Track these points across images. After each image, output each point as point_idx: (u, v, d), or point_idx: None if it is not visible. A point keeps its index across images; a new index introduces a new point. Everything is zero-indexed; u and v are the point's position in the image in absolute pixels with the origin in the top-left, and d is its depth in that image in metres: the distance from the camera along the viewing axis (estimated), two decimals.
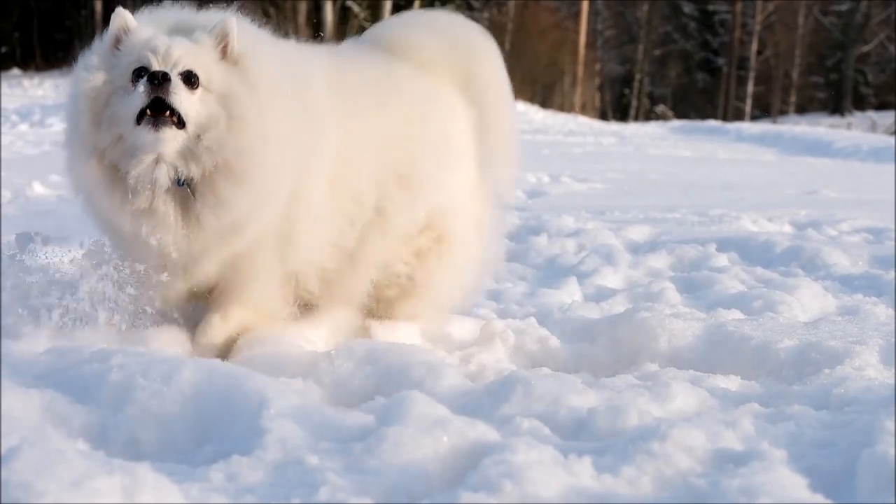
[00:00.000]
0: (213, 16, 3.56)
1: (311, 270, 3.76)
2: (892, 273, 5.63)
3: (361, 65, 3.97)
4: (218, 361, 2.95)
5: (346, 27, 42.17)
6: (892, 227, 7.91)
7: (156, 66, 3.28)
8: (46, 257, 4.03)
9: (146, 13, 3.56)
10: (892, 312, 4.54)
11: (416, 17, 4.51)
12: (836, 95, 60.96)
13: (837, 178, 14.68)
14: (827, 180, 13.82)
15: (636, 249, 6.69)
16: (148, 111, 3.24)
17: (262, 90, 3.41)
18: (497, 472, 2.14)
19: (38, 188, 10.04)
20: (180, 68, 3.30)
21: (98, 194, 3.39)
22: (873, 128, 41.99)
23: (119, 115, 3.30)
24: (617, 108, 62.24)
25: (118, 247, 3.56)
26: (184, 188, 3.35)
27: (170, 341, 3.46)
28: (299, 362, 3.30)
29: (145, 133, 3.25)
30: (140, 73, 3.29)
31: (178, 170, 3.31)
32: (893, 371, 3.46)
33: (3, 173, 10.56)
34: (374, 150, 3.82)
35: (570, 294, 5.18)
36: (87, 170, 3.37)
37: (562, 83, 55.11)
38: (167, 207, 3.34)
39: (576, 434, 2.64)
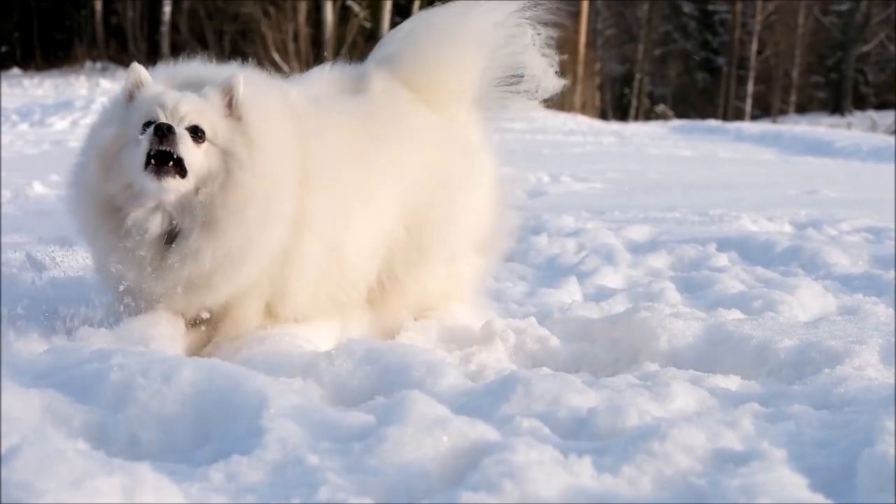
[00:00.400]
0: (226, 70, 3.72)
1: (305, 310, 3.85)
2: (892, 273, 5.63)
3: (378, 120, 4.00)
4: (218, 361, 2.95)
5: (346, 27, 42.17)
6: (892, 226, 7.91)
7: (163, 120, 3.43)
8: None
9: (161, 69, 3.74)
10: (892, 312, 4.54)
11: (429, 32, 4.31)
12: (836, 95, 60.94)
13: (837, 177, 14.68)
14: (827, 180, 13.82)
15: (636, 249, 6.69)
16: (153, 160, 3.38)
17: (259, 146, 3.53)
18: (497, 472, 2.14)
19: (38, 188, 10.04)
20: (187, 123, 3.45)
21: (94, 235, 3.59)
22: (873, 127, 41.98)
23: (127, 165, 3.45)
24: (617, 107, 62.22)
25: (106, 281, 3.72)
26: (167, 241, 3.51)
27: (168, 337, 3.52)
28: (299, 362, 3.30)
29: (149, 181, 3.39)
30: (149, 126, 3.43)
31: (173, 220, 3.46)
32: (893, 371, 3.46)
33: (3, 173, 10.57)
34: (390, 208, 3.95)
35: (570, 294, 5.18)
36: (90, 212, 3.56)
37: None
38: (146, 254, 3.47)
39: (576, 434, 2.64)
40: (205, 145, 3.47)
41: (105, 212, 3.51)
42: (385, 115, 4.01)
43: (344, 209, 3.81)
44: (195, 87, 3.61)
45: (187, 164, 3.40)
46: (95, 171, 3.52)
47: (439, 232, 4.08)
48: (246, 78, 3.60)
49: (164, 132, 3.37)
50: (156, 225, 3.46)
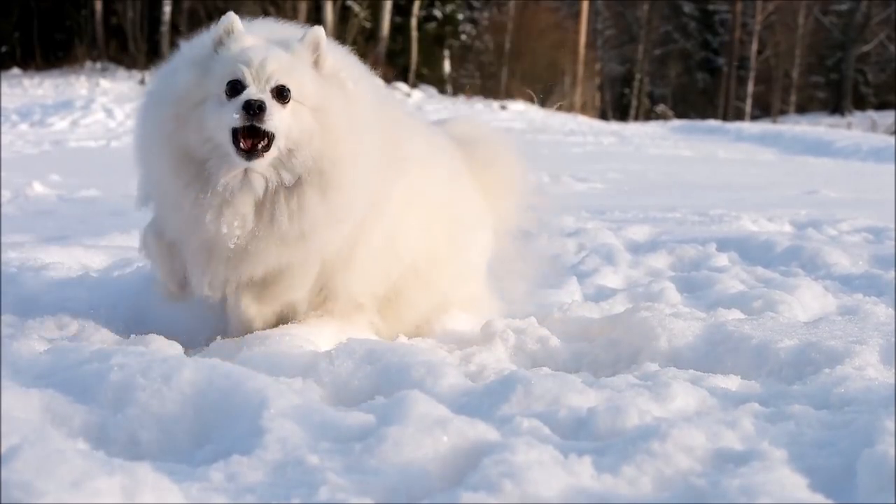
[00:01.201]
0: (302, 31, 3.65)
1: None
2: (892, 273, 5.63)
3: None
4: (218, 361, 2.94)
5: (346, 27, 42.19)
6: (892, 226, 7.91)
7: (249, 81, 3.36)
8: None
9: (254, 23, 3.65)
10: (892, 312, 4.53)
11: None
12: (836, 95, 60.95)
13: (837, 177, 14.68)
14: (827, 180, 13.82)
15: (636, 249, 6.69)
16: (241, 136, 3.32)
17: (359, 104, 3.49)
18: (497, 472, 2.14)
19: (38, 188, 10.05)
20: (273, 83, 3.38)
21: (172, 182, 3.43)
22: (873, 127, 41.96)
23: (210, 123, 3.37)
24: (617, 107, 62.23)
25: (168, 223, 3.61)
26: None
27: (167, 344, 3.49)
28: (299, 362, 3.30)
29: (237, 157, 3.34)
30: (235, 86, 3.36)
31: (269, 180, 3.40)
32: (893, 371, 3.46)
33: (3, 173, 10.57)
34: (426, 209, 3.96)
35: (570, 294, 5.18)
36: (163, 155, 3.42)
37: (562, 83, 55.10)
38: (246, 203, 3.40)
39: (576, 434, 2.63)
40: (290, 105, 3.39)
41: (184, 162, 3.42)
42: (457, 150, 4.19)
43: (408, 203, 3.83)
44: (281, 43, 3.51)
45: (277, 133, 3.34)
46: (169, 119, 3.41)
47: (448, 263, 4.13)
48: (322, 30, 3.55)
49: (254, 110, 3.29)
50: (257, 187, 3.40)
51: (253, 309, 3.65)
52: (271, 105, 3.32)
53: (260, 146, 3.32)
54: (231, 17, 3.48)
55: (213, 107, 3.38)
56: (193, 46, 3.54)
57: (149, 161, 3.54)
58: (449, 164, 4.12)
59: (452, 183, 4.11)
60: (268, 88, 3.37)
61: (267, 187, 3.41)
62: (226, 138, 3.34)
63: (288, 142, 3.37)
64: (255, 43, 3.46)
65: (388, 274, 3.89)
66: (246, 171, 3.39)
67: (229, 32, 3.47)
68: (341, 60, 3.56)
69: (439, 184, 4.02)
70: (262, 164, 3.36)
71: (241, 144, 3.32)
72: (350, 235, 3.64)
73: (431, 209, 3.98)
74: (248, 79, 3.37)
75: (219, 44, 3.47)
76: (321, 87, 3.45)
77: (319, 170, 3.39)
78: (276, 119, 3.33)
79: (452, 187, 4.10)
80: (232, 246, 3.44)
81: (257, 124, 3.29)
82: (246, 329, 3.64)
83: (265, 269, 3.56)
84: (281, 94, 3.38)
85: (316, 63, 3.49)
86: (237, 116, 3.30)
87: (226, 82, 3.38)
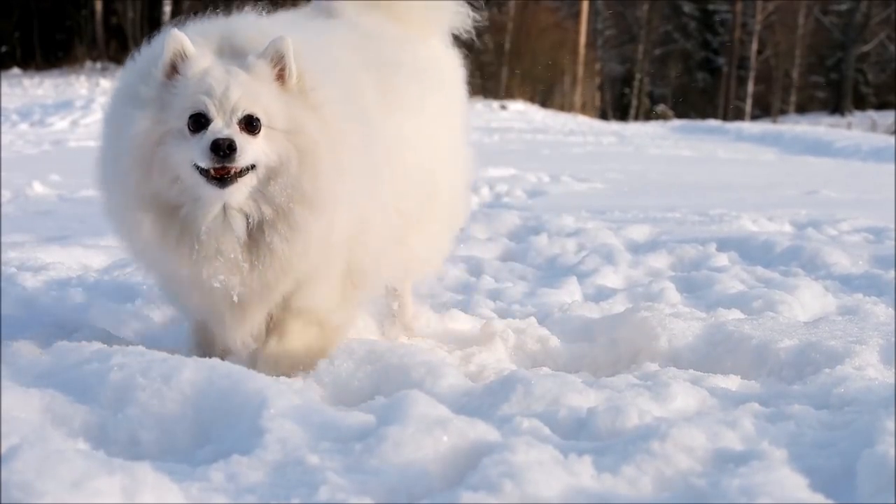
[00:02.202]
0: (253, 23, 3.40)
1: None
2: (892, 273, 5.62)
3: (380, 44, 3.80)
4: (218, 361, 2.95)
5: None
6: (892, 226, 7.90)
7: (214, 114, 3.06)
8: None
9: (194, 27, 3.31)
10: (892, 312, 4.54)
11: None
12: (836, 95, 60.95)
13: (837, 177, 14.67)
14: (827, 180, 13.81)
15: (636, 249, 6.69)
16: (212, 171, 3.05)
17: (329, 118, 3.21)
18: (497, 472, 2.14)
19: (38, 188, 10.05)
20: (240, 114, 3.08)
21: (154, 243, 3.17)
22: (873, 127, 41.94)
23: (175, 161, 3.09)
24: (617, 107, 62.23)
25: (169, 291, 3.51)
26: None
27: None
28: None
29: (211, 190, 3.07)
30: (198, 119, 3.07)
31: (249, 216, 3.14)
32: (893, 371, 3.46)
33: (3, 173, 10.57)
34: (408, 151, 3.73)
35: (570, 294, 5.18)
36: (140, 219, 3.14)
37: (562, 83, 55.10)
38: (236, 250, 3.15)
39: (576, 434, 2.64)
40: (263, 131, 3.10)
41: (159, 215, 3.13)
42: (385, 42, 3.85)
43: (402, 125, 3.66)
44: (236, 51, 3.21)
45: (251, 164, 3.07)
46: (132, 167, 3.10)
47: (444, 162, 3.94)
48: (287, 40, 3.17)
49: (224, 151, 3.00)
50: (238, 227, 3.13)
51: (278, 347, 3.42)
52: (241, 140, 3.04)
53: (233, 171, 3.04)
54: (178, 39, 3.12)
55: (176, 143, 3.08)
56: (140, 78, 3.18)
57: (127, 225, 3.23)
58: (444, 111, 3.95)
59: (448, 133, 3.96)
60: (234, 121, 3.07)
61: (248, 225, 3.13)
62: (194, 176, 3.07)
63: (266, 171, 3.11)
64: (213, 67, 3.13)
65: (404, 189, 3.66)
66: (224, 208, 3.11)
67: (181, 57, 3.12)
68: (308, 70, 3.21)
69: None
70: (240, 193, 3.08)
71: (213, 172, 3.04)
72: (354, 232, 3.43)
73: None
74: (212, 111, 3.06)
75: (171, 71, 3.12)
76: (290, 107, 3.15)
77: (301, 194, 3.12)
78: (250, 154, 3.05)
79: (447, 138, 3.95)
80: (235, 299, 3.22)
81: (229, 164, 3.02)
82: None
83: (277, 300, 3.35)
84: (250, 124, 3.09)
85: (280, 78, 3.17)
86: (205, 158, 3.02)
87: (187, 116, 3.07)
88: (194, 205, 3.11)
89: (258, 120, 3.10)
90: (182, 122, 3.08)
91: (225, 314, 3.31)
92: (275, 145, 3.12)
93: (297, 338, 3.41)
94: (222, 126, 3.06)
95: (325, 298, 3.44)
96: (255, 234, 3.15)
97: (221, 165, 3.01)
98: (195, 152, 3.03)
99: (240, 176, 3.06)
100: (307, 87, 3.20)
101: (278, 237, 3.14)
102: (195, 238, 3.11)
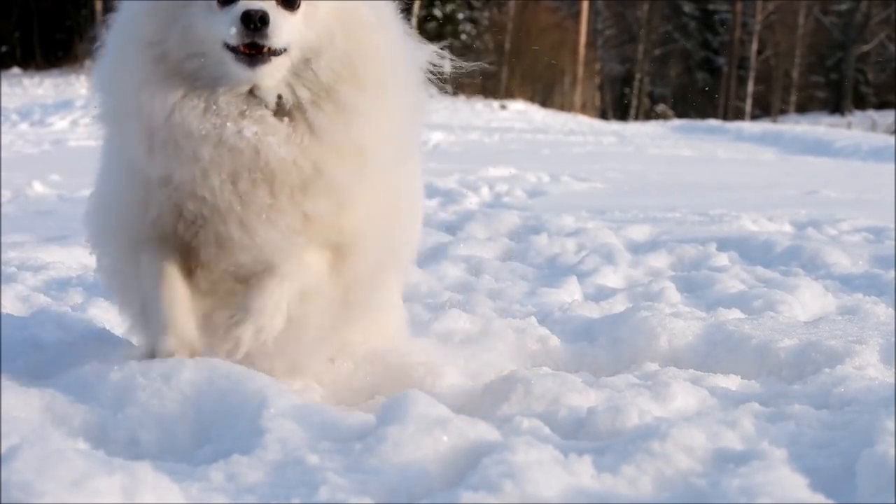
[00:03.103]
0: None
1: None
2: (892, 273, 5.62)
3: None
4: (218, 361, 2.94)
5: None
6: (892, 226, 7.90)
7: None
8: None
9: None
10: (892, 312, 4.54)
11: None
12: (836, 95, 60.95)
13: (837, 177, 14.67)
14: (827, 180, 13.81)
15: (636, 249, 6.69)
16: (241, 47, 2.63)
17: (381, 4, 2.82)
18: (497, 472, 2.14)
19: (38, 188, 10.05)
20: None
21: (150, 91, 2.66)
22: (873, 127, 41.97)
23: (199, 35, 2.68)
24: (617, 107, 62.23)
25: (164, 170, 2.73)
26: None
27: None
28: None
29: (240, 70, 2.65)
30: None
31: (283, 98, 2.71)
32: (893, 371, 3.46)
33: (3, 173, 10.56)
34: None
35: (570, 293, 5.18)
36: (148, 71, 2.68)
37: (562, 83, 55.13)
38: (264, 112, 2.70)
39: (576, 434, 2.64)
40: (303, 7, 2.68)
41: (172, 74, 2.68)
42: None
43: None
44: None
45: (286, 46, 2.64)
46: (145, 18, 2.69)
47: None
48: None
49: (256, 24, 2.59)
50: (269, 100, 2.70)
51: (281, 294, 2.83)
52: (276, 15, 2.62)
53: (266, 48, 2.63)
54: None
55: (202, 15, 2.68)
56: None
57: (122, 78, 2.73)
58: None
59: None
60: None
61: (280, 104, 2.71)
62: (220, 53, 2.66)
63: (303, 52, 2.68)
64: None
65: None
66: (252, 89, 2.70)
67: None
68: None
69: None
70: (272, 75, 2.67)
71: (242, 49, 2.63)
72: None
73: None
74: None
75: None
76: None
77: (352, 71, 2.68)
78: (285, 33, 2.63)
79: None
80: (283, 152, 2.66)
81: (260, 41, 2.61)
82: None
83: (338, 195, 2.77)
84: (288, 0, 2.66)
85: None
86: (234, 32, 2.61)
87: None
88: (214, 82, 2.69)
89: None
90: None
91: (253, 200, 2.71)
92: (315, 24, 2.70)
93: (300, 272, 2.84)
94: None
95: (345, 232, 2.87)
96: (294, 112, 2.71)
97: (251, 41, 2.61)
98: (223, 27, 2.63)
99: (273, 55, 2.64)
100: None
101: (322, 114, 2.69)
102: (212, 102, 2.67)
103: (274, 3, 2.65)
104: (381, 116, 2.74)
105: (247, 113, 2.67)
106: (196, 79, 2.68)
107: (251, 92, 2.69)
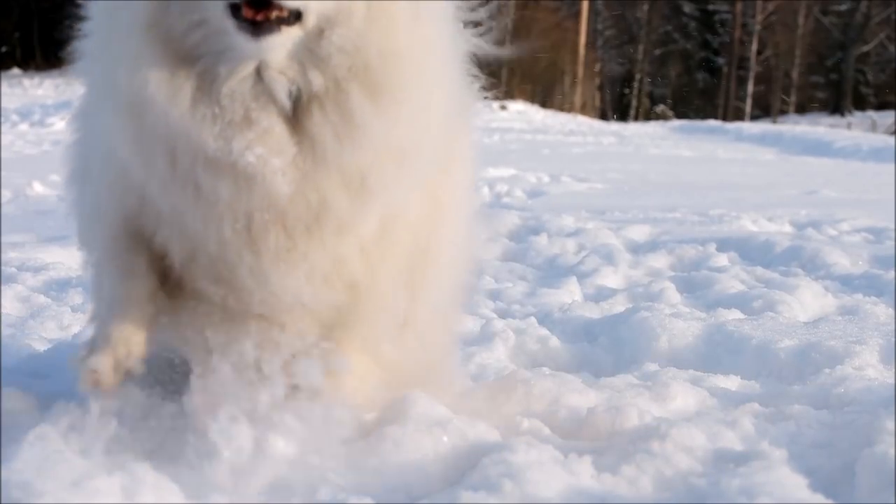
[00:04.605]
0: None
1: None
2: (892, 273, 5.62)
3: None
4: None
5: None
6: (892, 226, 7.90)
7: None
8: None
9: None
10: (892, 312, 4.54)
11: None
12: (836, 95, 60.94)
13: (837, 178, 14.66)
14: (827, 180, 13.80)
15: (636, 249, 6.69)
16: (245, 9, 2.18)
17: None
18: (497, 472, 2.14)
19: (38, 188, 10.04)
20: None
21: (158, 95, 2.24)
22: (873, 128, 41.95)
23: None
24: (617, 108, 62.24)
25: (165, 196, 2.33)
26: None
27: None
28: None
29: (239, 35, 2.20)
30: None
31: (293, 82, 2.26)
32: (893, 371, 3.46)
33: (3, 173, 10.56)
34: None
35: (570, 294, 5.18)
36: (143, 57, 2.25)
37: (562, 83, 55.12)
38: (274, 120, 2.25)
39: (576, 433, 2.64)
40: None
41: (174, 59, 2.25)
42: None
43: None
44: None
45: (305, 9, 2.21)
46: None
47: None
48: None
49: None
50: (279, 92, 2.25)
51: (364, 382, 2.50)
52: None
53: (274, 15, 2.18)
54: None
55: None
56: None
57: (123, 66, 2.28)
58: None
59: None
60: None
61: (292, 94, 2.26)
62: (223, 18, 2.21)
63: (320, 20, 2.23)
64: None
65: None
66: (258, 68, 2.24)
67: None
68: None
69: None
70: (280, 49, 2.21)
71: (246, 13, 2.17)
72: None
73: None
74: None
75: None
76: None
77: (364, 64, 2.24)
78: None
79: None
80: (278, 190, 2.25)
81: None
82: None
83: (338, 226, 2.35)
84: None
85: None
86: None
87: None
88: (216, 59, 2.25)
89: None
90: None
91: (263, 237, 2.31)
92: None
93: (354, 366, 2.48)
94: None
95: (381, 325, 2.54)
96: (300, 116, 2.26)
97: None
98: None
99: (283, 23, 2.19)
100: None
101: (327, 126, 2.25)
102: (214, 101, 2.23)
103: None
104: (392, 135, 2.29)
105: (253, 116, 2.24)
106: (195, 58, 2.25)
107: (258, 75, 2.25)
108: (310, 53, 2.24)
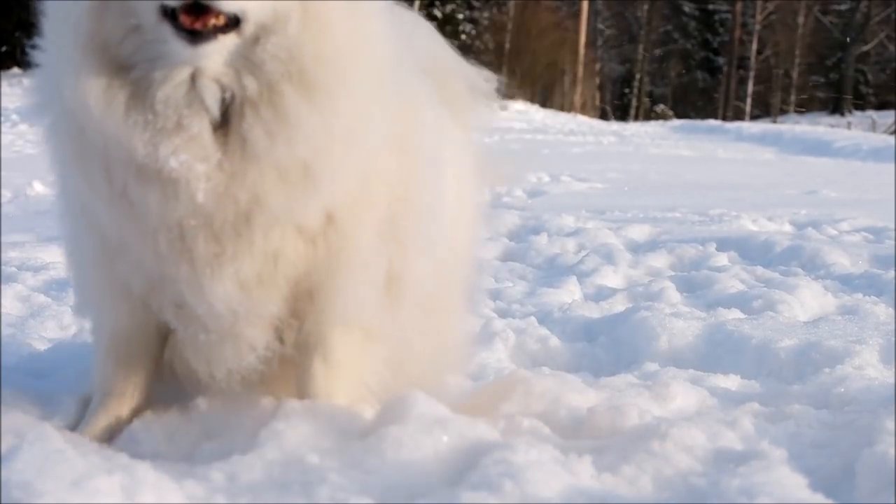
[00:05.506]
0: None
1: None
2: (892, 272, 5.62)
3: None
4: None
5: None
6: (892, 226, 7.90)
7: None
8: None
9: None
10: (892, 312, 4.54)
11: None
12: (836, 95, 60.94)
13: (837, 177, 14.66)
14: (827, 180, 13.80)
15: (636, 249, 6.69)
16: (182, 14, 2.15)
17: None
18: (497, 472, 2.14)
19: (38, 188, 10.04)
20: None
21: (94, 105, 2.22)
22: (873, 127, 41.95)
23: (134, 3, 2.22)
24: (617, 107, 62.24)
25: (101, 200, 2.32)
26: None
27: None
28: None
29: (177, 45, 2.18)
30: None
31: (226, 89, 2.24)
32: (893, 371, 3.46)
33: (3, 173, 10.56)
34: None
35: (570, 293, 5.18)
36: (82, 70, 2.23)
37: (562, 83, 55.11)
38: (204, 126, 2.23)
39: (576, 433, 2.64)
40: None
41: (106, 68, 2.23)
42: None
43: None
44: None
45: (238, 11, 2.19)
46: (82, 7, 2.23)
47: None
48: None
49: None
50: (210, 99, 2.23)
51: (330, 377, 2.54)
52: None
53: (211, 24, 2.16)
54: None
55: None
56: None
57: (66, 82, 2.24)
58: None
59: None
60: None
61: (224, 101, 2.24)
62: (159, 25, 2.19)
63: (257, 28, 2.22)
64: None
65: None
66: (193, 75, 2.22)
67: None
68: None
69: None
70: (216, 56, 2.21)
71: (183, 21, 2.15)
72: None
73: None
74: None
75: None
76: None
77: (299, 69, 2.24)
78: None
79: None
80: (201, 197, 2.23)
81: (206, 2, 2.14)
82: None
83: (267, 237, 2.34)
84: None
85: None
86: None
87: None
88: (151, 65, 2.23)
89: None
90: None
91: (194, 245, 2.30)
92: None
93: (344, 349, 2.53)
94: None
95: (360, 294, 2.50)
96: (231, 118, 2.25)
97: (195, 2, 2.14)
98: None
99: (220, 31, 2.19)
100: None
101: (259, 125, 2.23)
102: (148, 108, 2.21)
103: None
104: (334, 128, 2.28)
105: (185, 123, 2.21)
106: (130, 66, 2.23)
107: (192, 81, 2.22)
108: (245, 60, 2.24)
